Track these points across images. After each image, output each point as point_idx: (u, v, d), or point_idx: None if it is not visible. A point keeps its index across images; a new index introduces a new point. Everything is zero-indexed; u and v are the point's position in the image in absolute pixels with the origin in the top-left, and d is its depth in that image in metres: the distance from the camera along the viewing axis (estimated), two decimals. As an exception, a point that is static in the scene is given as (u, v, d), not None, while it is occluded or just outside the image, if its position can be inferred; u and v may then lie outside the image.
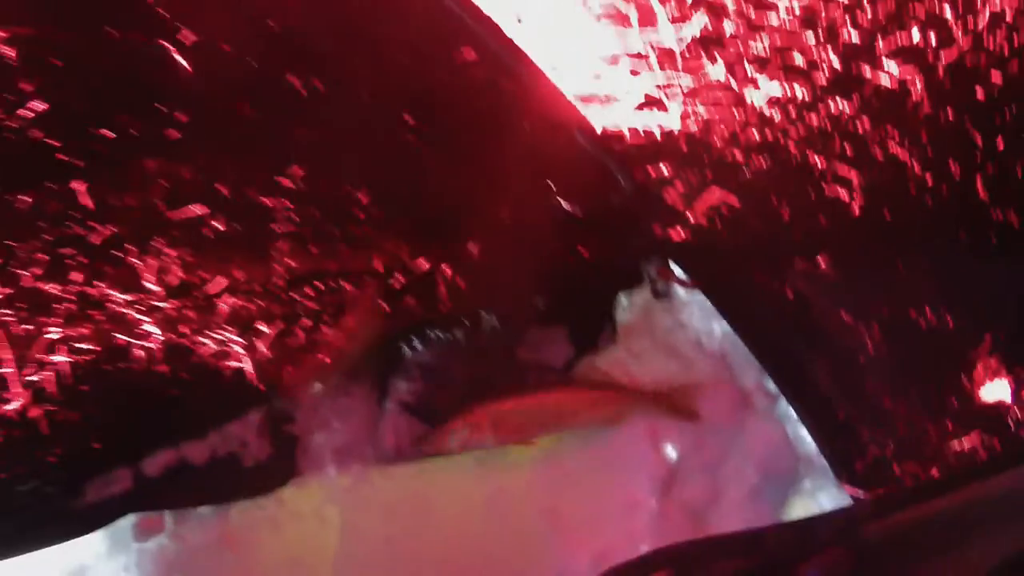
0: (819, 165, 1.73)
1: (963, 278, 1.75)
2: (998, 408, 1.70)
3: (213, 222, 1.75)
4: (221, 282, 1.74)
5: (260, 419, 1.84)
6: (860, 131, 1.68)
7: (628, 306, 2.16)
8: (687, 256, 2.02)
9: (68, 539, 1.72)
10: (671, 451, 1.97)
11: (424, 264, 1.84)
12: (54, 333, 1.65)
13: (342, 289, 1.82)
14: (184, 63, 1.68)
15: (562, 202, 1.88)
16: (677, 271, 2.08)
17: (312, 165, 1.78)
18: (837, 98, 1.73)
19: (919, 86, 1.70)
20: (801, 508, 2.03)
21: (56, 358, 1.66)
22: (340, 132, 1.82)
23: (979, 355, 1.71)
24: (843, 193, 1.72)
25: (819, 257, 1.80)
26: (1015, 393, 1.70)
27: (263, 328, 1.77)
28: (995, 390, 1.71)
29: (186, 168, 1.74)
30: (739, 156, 1.76)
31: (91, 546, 1.81)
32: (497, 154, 1.86)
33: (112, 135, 1.62)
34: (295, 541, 1.86)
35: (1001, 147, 1.61)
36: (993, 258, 1.71)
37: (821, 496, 2.05)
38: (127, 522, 1.81)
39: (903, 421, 1.79)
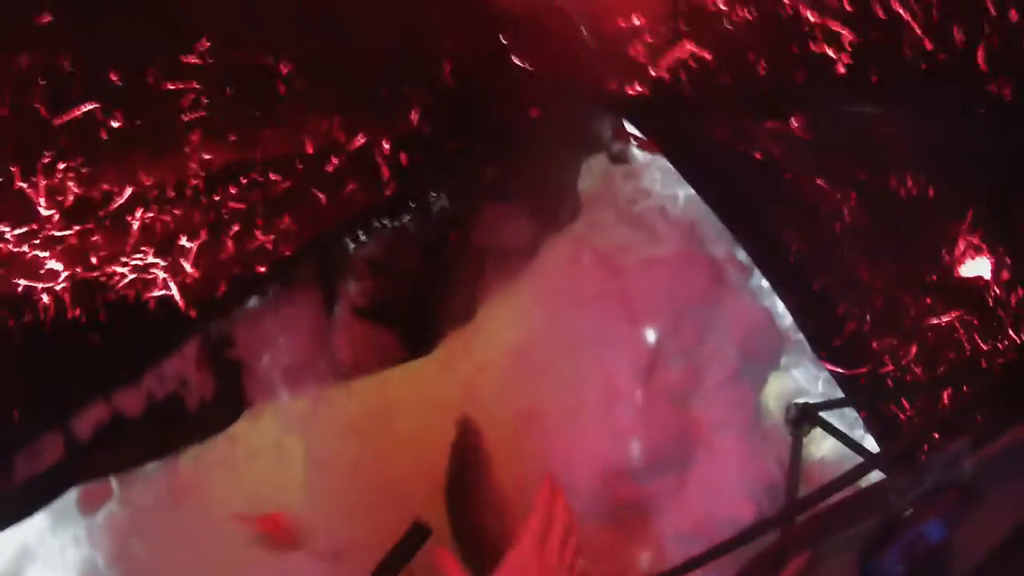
0: (811, 19, 2.33)
1: (948, 150, 2.38)
2: (978, 285, 2.39)
3: (107, 120, 2.18)
4: (127, 193, 2.18)
5: (197, 350, 2.35)
6: (866, -14, 2.29)
7: (587, 174, 2.86)
8: (643, 114, 2.68)
9: (7, 526, 2.17)
10: (650, 334, 2.69)
11: (360, 140, 2.38)
12: (-62, 290, 1.98)
13: (271, 182, 2.32)
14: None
15: (515, 59, 2.48)
16: (634, 131, 2.78)
17: (220, 34, 2.24)
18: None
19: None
20: (777, 386, 2.86)
21: (-54, 321, 2.00)
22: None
23: (960, 230, 2.37)
24: (830, 50, 2.32)
25: (792, 117, 2.44)
26: (995, 271, 2.36)
27: (185, 243, 2.25)
28: (975, 267, 2.38)
29: (65, 58, 2.14)
30: (723, 5, 2.36)
31: (33, 524, 2.30)
32: (442, 5, 2.43)
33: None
34: (256, 480, 2.47)
35: (1015, 18, 2.15)
36: (981, 132, 2.30)
37: (796, 372, 2.90)
38: (71, 496, 2.32)
39: (881, 294, 2.52)
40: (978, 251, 2.41)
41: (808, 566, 1.52)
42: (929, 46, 2.28)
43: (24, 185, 2.13)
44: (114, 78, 2.20)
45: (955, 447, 1.53)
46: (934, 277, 2.49)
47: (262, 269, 2.36)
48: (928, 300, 2.51)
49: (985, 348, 2.46)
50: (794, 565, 1.53)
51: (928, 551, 1.39)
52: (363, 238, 2.53)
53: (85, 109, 2.17)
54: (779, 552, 1.58)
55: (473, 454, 2.37)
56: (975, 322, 2.46)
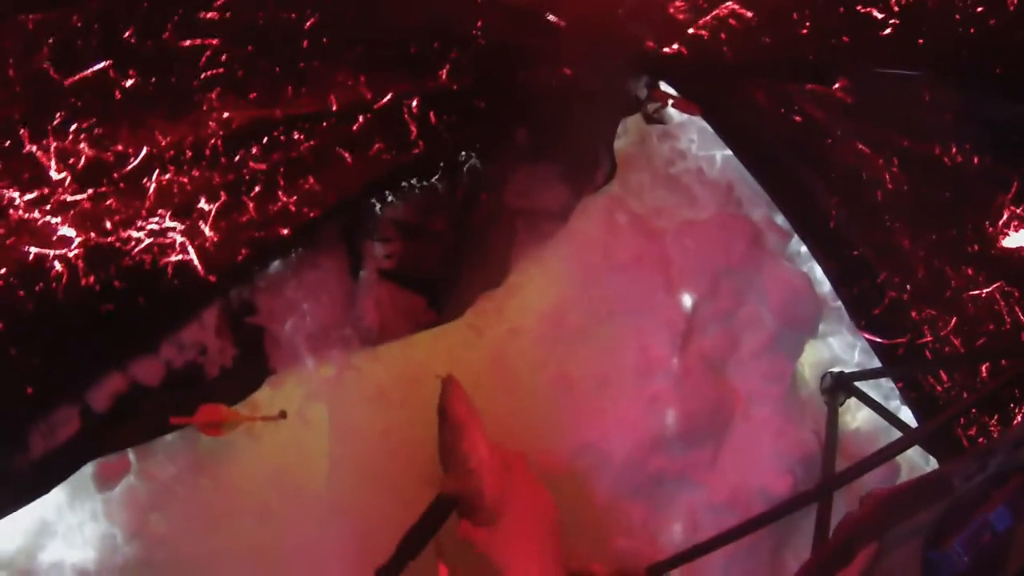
0: (861, -22, 2.20)
1: (993, 117, 2.30)
2: (1021, 256, 2.34)
3: (121, 79, 2.07)
4: (142, 154, 2.03)
5: (216, 317, 2.21)
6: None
7: (622, 134, 2.70)
8: (681, 74, 2.52)
9: (25, 503, 2.04)
10: (687, 299, 2.56)
11: (388, 98, 2.22)
12: (-54, 259, 1.85)
13: (294, 141, 2.17)
14: None
15: (549, 15, 2.32)
16: (670, 91, 2.60)
17: None
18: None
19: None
20: (813, 353, 2.73)
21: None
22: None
23: (1005, 200, 2.31)
24: (877, 12, 2.22)
25: (835, 80, 2.33)
26: (1039, 242, 2.28)
27: (204, 205, 2.10)
28: (1019, 238, 2.32)
29: (76, 16, 2.01)
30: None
31: (50, 499, 2.15)
32: None
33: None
34: (278, 450, 2.33)
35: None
36: None
37: (833, 340, 2.77)
38: (88, 470, 2.17)
39: (922, 264, 2.41)
40: (1023, 222, 2.33)
41: (875, 557, 1.49)
42: (980, 9, 2.18)
43: (34, 148, 1.99)
44: (128, 35, 2.04)
45: (1018, 431, 1.55)
46: (976, 247, 2.39)
47: (285, 232, 2.20)
48: (970, 271, 2.41)
49: (1026, 321, 2.35)
50: (863, 556, 1.49)
51: (994, 539, 1.37)
52: (391, 199, 2.36)
53: (97, 68, 2.02)
54: (847, 544, 1.53)
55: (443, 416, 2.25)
56: (1016, 294, 2.38)
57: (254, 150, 2.17)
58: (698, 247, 2.56)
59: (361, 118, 2.24)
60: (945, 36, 2.23)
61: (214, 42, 2.11)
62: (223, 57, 2.12)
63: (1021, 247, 2.33)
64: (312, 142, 2.21)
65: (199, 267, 2.12)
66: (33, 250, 1.98)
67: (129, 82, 2.05)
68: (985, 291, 2.38)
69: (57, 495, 2.22)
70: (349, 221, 2.37)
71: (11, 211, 1.98)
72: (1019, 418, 2.33)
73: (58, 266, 2.00)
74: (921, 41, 2.24)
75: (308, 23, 2.18)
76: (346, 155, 2.24)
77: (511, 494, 2.18)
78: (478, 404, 2.34)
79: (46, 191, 2.00)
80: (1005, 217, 2.32)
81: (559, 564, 2.09)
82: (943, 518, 1.42)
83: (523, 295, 2.52)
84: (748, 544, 2.39)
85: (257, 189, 2.17)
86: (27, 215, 1.99)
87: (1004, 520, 1.36)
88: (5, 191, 1.97)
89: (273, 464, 2.36)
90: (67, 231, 2.02)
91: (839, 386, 2.56)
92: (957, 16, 2.18)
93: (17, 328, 1.98)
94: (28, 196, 1.99)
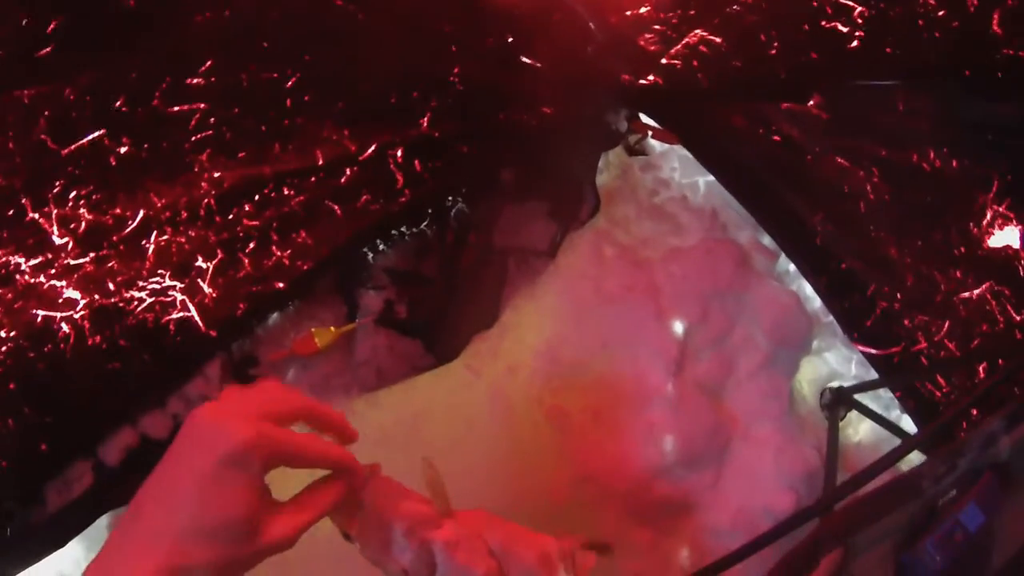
0: (821, -4, 2.27)
1: (968, 118, 2.33)
2: (1008, 255, 2.34)
3: (115, 146, 2.15)
4: (140, 217, 2.12)
5: (220, 370, 2.27)
6: (874, -43, 2.21)
7: (605, 168, 2.75)
8: (659, 104, 2.57)
9: (43, 556, 2.10)
10: (678, 326, 2.59)
11: (372, 149, 2.30)
12: (-42, 323, 1.93)
13: (284, 197, 2.25)
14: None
15: (523, 57, 2.39)
16: (650, 122, 2.65)
17: (223, 53, 2.19)
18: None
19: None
20: (810, 370, 2.76)
21: (-31, 356, 1.95)
22: (252, 5, 2.25)
23: (987, 200, 2.33)
24: (841, 26, 2.26)
25: (809, 96, 2.37)
26: (1025, 238, 2.31)
27: (201, 263, 2.17)
28: (1004, 236, 2.34)
29: (69, 89, 2.11)
30: (733, -11, 2.27)
31: (68, 553, 2.20)
32: (445, 8, 2.34)
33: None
34: (289, 494, 2.45)
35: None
36: (1000, 97, 2.28)
37: (829, 356, 2.79)
38: (103, 523, 2.23)
39: (910, 271, 2.43)
40: (1006, 220, 2.34)
41: (842, 563, 1.43)
42: (942, 13, 2.20)
43: (36, 216, 2.08)
44: (119, 104, 2.14)
45: (989, 427, 1.49)
46: (963, 249, 2.40)
47: (281, 286, 2.26)
48: (958, 274, 2.42)
49: (1018, 319, 2.37)
50: (827, 562, 1.44)
51: (967, 538, 1.34)
52: (381, 247, 2.43)
53: (92, 137, 2.11)
54: (811, 549, 1.47)
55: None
56: (1007, 292, 2.38)
57: (246, 207, 2.24)
58: (686, 274, 2.59)
59: (348, 171, 2.31)
60: (911, 44, 2.26)
61: (201, 106, 2.20)
62: (211, 120, 2.21)
63: (1007, 245, 2.34)
64: (302, 197, 2.27)
65: (200, 323, 2.18)
66: (41, 313, 2.06)
67: (123, 149, 2.14)
68: (975, 292, 2.39)
69: (74, 548, 2.27)
70: (342, 271, 2.44)
71: (17, 276, 2.06)
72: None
73: (65, 327, 2.08)
74: (888, 50, 2.27)
75: (290, 82, 2.26)
76: (335, 208, 2.30)
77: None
78: (478, 444, 2.41)
79: (50, 256, 2.09)
80: (988, 217, 2.34)
81: None
82: (913, 520, 1.41)
83: (517, 333, 2.55)
84: (757, 564, 2.40)
85: (252, 245, 2.24)
86: (33, 280, 2.07)
87: (975, 518, 1.36)
88: (11, 257, 2.05)
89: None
90: (72, 294, 2.09)
91: (839, 401, 2.57)
92: (920, 23, 2.22)
93: (29, 388, 2.06)
94: (33, 261, 2.07)
